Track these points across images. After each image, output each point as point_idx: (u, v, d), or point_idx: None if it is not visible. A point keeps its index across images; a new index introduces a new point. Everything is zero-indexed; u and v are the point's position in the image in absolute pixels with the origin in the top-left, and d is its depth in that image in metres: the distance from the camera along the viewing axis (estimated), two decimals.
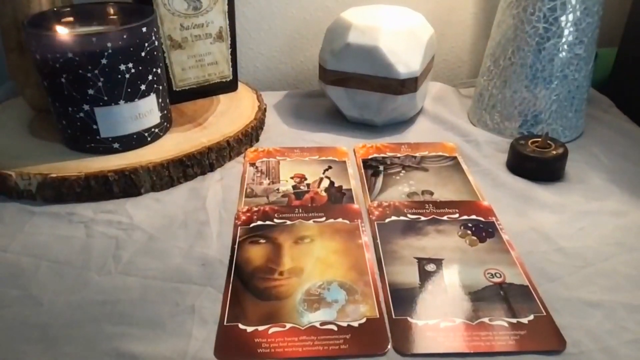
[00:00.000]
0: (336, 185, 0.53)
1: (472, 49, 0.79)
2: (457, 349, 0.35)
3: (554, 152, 0.54)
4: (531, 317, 0.38)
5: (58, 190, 0.49)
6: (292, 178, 0.54)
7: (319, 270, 0.42)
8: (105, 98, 0.50)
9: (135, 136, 0.54)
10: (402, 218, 0.48)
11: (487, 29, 0.65)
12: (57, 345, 0.36)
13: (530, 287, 0.40)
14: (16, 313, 0.38)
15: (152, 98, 0.54)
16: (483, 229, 0.47)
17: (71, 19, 0.55)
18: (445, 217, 0.48)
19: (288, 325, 0.37)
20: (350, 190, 0.52)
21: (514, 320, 0.37)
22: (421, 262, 0.43)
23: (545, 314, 0.38)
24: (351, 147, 0.60)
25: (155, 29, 0.53)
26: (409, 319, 0.38)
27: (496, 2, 0.62)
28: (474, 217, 0.48)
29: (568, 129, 0.61)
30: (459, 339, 0.36)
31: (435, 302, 0.39)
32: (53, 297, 0.39)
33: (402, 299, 0.39)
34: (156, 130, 0.55)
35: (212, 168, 0.56)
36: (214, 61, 0.65)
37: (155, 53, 0.53)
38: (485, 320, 0.37)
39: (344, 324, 0.37)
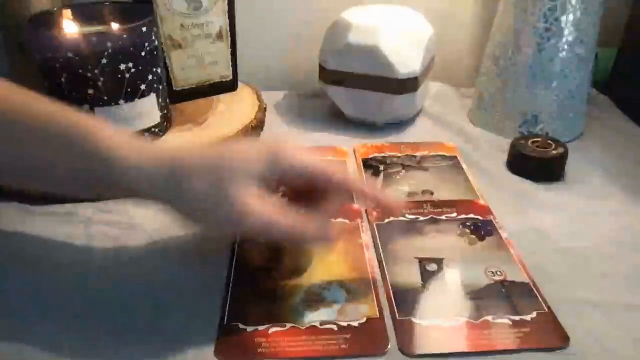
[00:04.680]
0: None
1: (472, 49, 0.79)
2: (462, 348, 0.35)
3: (554, 152, 0.54)
4: (534, 314, 0.38)
5: None
6: None
7: (319, 270, 0.42)
8: (105, 98, 0.50)
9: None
10: (400, 218, 0.48)
11: (487, 29, 0.65)
12: (57, 345, 0.35)
13: (531, 283, 0.40)
14: (16, 312, 0.38)
15: (152, 98, 0.54)
16: (481, 228, 0.47)
17: (71, 18, 0.55)
18: (443, 217, 0.48)
19: (288, 325, 0.37)
20: None
21: (517, 318, 0.37)
22: (422, 262, 0.43)
23: (547, 310, 0.38)
24: (351, 146, 0.60)
25: (155, 29, 0.53)
26: (412, 319, 0.38)
27: (496, 2, 0.62)
28: (471, 215, 0.48)
29: (568, 129, 0.61)
30: (464, 338, 0.36)
31: (438, 302, 0.39)
32: (53, 297, 0.39)
33: (405, 300, 0.39)
34: (156, 130, 0.55)
35: None
36: (214, 61, 0.64)
37: (155, 53, 0.53)
38: (489, 318, 0.37)
39: (344, 324, 0.37)
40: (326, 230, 0.39)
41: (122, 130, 0.40)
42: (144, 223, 0.47)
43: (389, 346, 0.35)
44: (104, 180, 0.37)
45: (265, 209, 0.36)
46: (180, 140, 0.55)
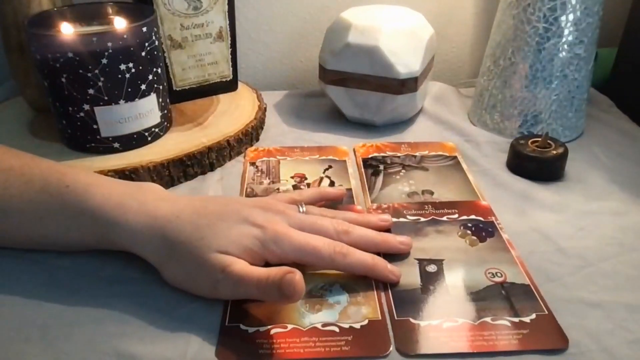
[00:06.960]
0: (336, 184, 0.53)
1: (472, 49, 0.79)
2: (461, 349, 0.35)
3: (554, 152, 0.54)
4: (533, 315, 0.38)
5: None
6: (292, 177, 0.54)
7: (321, 271, 0.42)
8: (106, 98, 0.50)
9: (135, 136, 0.54)
10: (401, 220, 0.48)
11: (487, 29, 0.65)
12: (57, 345, 0.36)
13: (531, 285, 0.40)
14: (16, 313, 0.38)
15: (153, 98, 0.54)
16: (483, 229, 0.47)
17: (71, 18, 0.55)
18: (444, 218, 0.48)
19: (289, 327, 0.37)
20: (350, 189, 0.52)
21: (517, 319, 0.37)
22: (422, 263, 0.43)
23: (547, 312, 0.38)
24: (351, 146, 0.60)
25: (155, 29, 0.53)
26: (411, 319, 0.38)
27: (496, 2, 0.62)
28: (473, 217, 0.48)
29: (568, 129, 0.61)
30: (463, 339, 0.36)
31: (437, 303, 0.39)
32: (53, 296, 0.39)
33: (404, 300, 0.39)
34: (156, 129, 0.55)
35: (212, 168, 0.56)
36: (214, 61, 0.65)
37: (155, 53, 0.53)
38: (488, 319, 0.37)
39: (346, 326, 0.37)
40: (295, 281, 0.36)
41: (119, 184, 0.43)
42: None
43: (390, 349, 0.35)
44: (94, 237, 0.41)
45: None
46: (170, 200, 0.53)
